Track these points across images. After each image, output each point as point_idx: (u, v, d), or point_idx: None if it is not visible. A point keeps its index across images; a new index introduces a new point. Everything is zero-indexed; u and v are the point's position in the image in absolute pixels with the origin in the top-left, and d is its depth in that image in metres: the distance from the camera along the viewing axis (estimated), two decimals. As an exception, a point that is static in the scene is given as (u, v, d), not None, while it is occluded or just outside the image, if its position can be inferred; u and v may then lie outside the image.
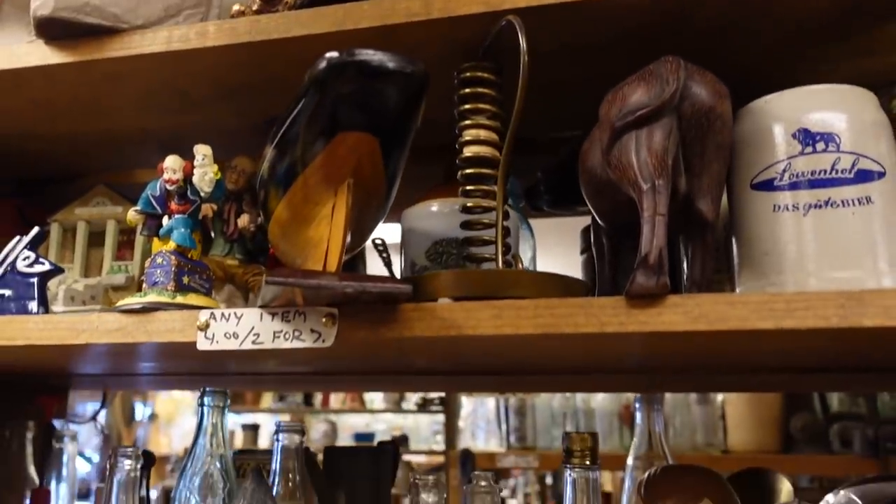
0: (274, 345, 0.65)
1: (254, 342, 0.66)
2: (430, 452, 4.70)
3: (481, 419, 2.68)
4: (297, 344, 0.64)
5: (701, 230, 0.64)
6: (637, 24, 0.71)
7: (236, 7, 0.78)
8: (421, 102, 0.61)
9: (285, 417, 5.60)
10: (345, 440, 5.04)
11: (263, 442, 4.67)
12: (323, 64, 0.56)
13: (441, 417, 4.20)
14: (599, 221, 0.75)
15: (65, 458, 1.34)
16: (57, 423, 1.32)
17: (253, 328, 0.66)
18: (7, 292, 0.76)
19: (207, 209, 0.83)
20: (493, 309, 0.61)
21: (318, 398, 4.81)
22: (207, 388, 0.96)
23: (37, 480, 1.24)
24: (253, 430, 4.87)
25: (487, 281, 0.63)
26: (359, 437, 5.36)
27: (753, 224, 0.64)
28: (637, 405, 1.05)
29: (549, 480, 3.63)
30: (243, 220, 0.91)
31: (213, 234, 0.92)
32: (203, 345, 0.67)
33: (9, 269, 0.77)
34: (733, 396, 2.27)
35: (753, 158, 0.64)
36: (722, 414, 2.37)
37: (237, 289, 0.95)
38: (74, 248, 0.98)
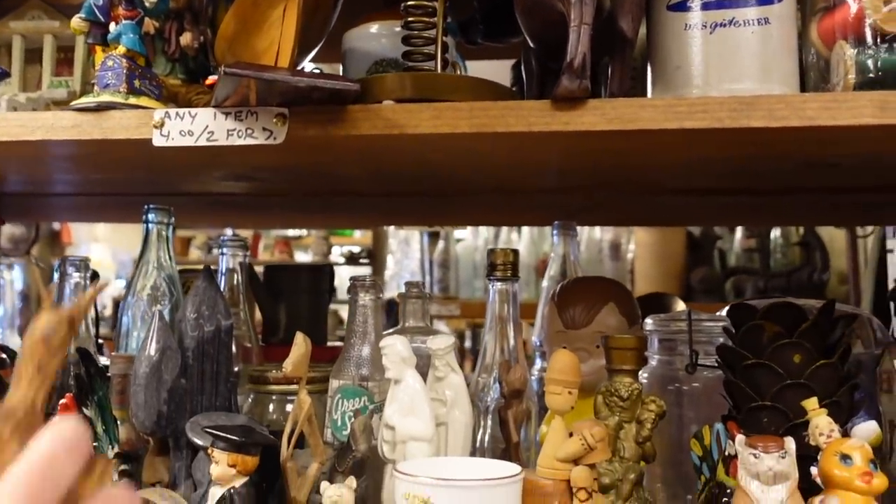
0: (228, 142, 0.70)
1: (208, 139, 0.70)
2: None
3: (406, 272, 2.81)
4: (249, 141, 0.69)
5: (621, 47, 0.71)
6: None
7: None
8: None
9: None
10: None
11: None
12: None
13: (368, 271, 4.34)
14: (531, 43, 0.81)
15: (1, 286, 1.37)
16: (-9, 253, 1.34)
17: (207, 126, 0.70)
18: (-47, 93, 0.78)
19: (149, 25, 0.84)
20: (433, 110, 0.67)
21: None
22: (152, 206, 1.00)
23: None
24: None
25: (428, 84, 0.69)
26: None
27: (667, 42, 0.71)
28: (554, 231, 1.15)
29: (468, 343, 3.81)
30: (186, 38, 0.93)
31: (153, 55, 0.93)
32: (159, 141, 0.71)
33: (-48, 70, 0.78)
34: (642, 251, 2.44)
35: (672, -18, 0.71)
36: (631, 269, 2.56)
37: (179, 107, 0.98)
38: (10, 65, 0.97)
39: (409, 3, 0.76)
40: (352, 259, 4.76)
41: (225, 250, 1.00)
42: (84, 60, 0.96)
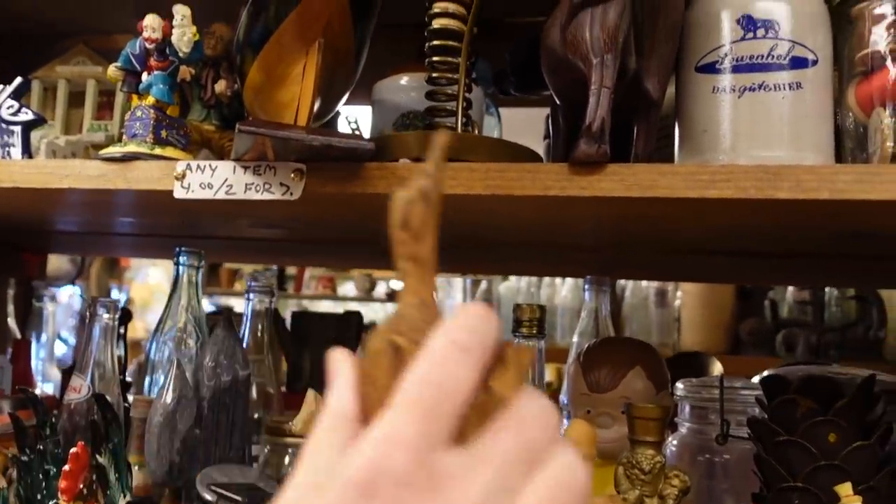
0: (245, 196, 0.70)
1: (227, 192, 0.70)
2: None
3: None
4: (266, 196, 0.69)
5: (646, 108, 0.69)
6: None
7: None
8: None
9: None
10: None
11: (237, 327, 4.77)
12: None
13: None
14: (557, 100, 0.80)
15: (45, 316, 1.40)
16: (37, 285, 1.38)
17: (226, 180, 0.71)
18: (-9, 139, 0.80)
19: (185, 72, 0.86)
20: (449, 171, 0.66)
21: (291, 285, 4.90)
22: (183, 248, 1.02)
23: (18, 333, 1.31)
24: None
25: (445, 144, 0.68)
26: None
27: (695, 104, 0.69)
28: (586, 286, 1.12)
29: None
30: (220, 86, 0.94)
31: (190, 100, 0.95)
32: (179, 193, 0.72)
33: (-7, 116, 0.81)
34: (689, 300, 2.37)
35: (700, 42, 0.69)
36: (677, 317, 2.49)
37: (213, 153, 1.00)
38: (55, 107, 1.01)
39: (435, 58, 0.76)
40: (393, 297, 4.77)
41: (251, 296, 1.01)
42: (123, 105, 0.98)
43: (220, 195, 0.70)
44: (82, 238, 1.27)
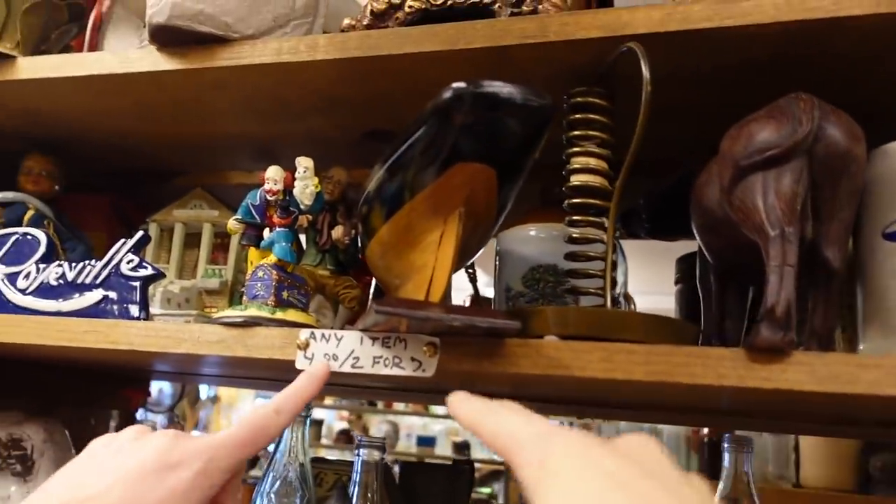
0: (373, 370, 0.64)
1: (353, 366, 0.65)
2: (490, 462, 4.65)
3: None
4: (396, 371, 0.63)
5: (826, 279, 0.61)
6: (761, 54, 0.68)
7: (346, 21, 0.78)
8: (544, 135, 0.59)
9: (344, 413, 5.67)
10: (405, 441, 5.07)
11: (325, 438, 4.73)
12: (448, 94, 0.55)
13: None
14: (709, 258, 0.72)
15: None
16: (138, 413, 1.35)
17: (353, 351, 0.65)
18: (111, 294, 0.78)
19: (303, 220, 0.83)
20: (603, 351, 0.59)
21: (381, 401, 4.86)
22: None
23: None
24: (317, 425, 4.94)
25: (596, 321, 0.61)
26: (421, 440, 5.42)
27: (884, 276, 0.60)
28: (725, 444, 1.01)
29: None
30: (338, 232, 0.91)
31: (304, 244, 0.92)
32: (302, 364, 0.66)
33: (113, 271, 0.78)
34: (809, 427, 2.18)
35: (887, 205, 0.61)
36: (795, 445, 2.29)
37: (326, 299, 0.95)
38: (171, 249, 0.99)
39: (575, 217, 0.70)
40: None
41: (362, 451, 0.94)
42: (237, 251, 0.96)
43: (346, 368, 0.65)
44: (185, 374, 1.24)
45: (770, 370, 0.55)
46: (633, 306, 0.64)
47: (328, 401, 4.80)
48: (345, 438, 5.36)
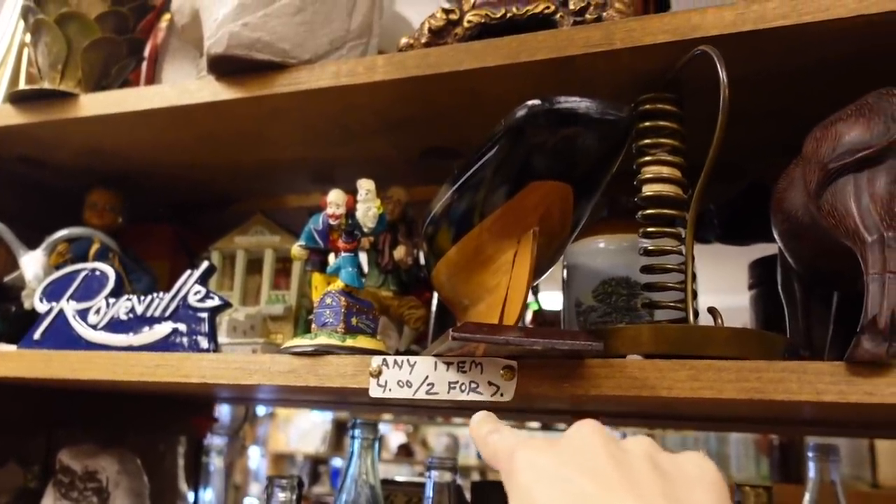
0: (449, 396, 0.62)
1: (427, 392, 0.63)
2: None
3: (606, 439, 2.60)
4: (473, 397, 0.61)
5: (926, 284, 0.57)
6: (841, 51, 0.64)
7: (404, 40, 0.77)
8: (622, 149, 0.57)
9: (401, 426, 5.67)
10: (464, 451, 5.05)
11: (385, 451, 4.72)
12: (523, 112, 0.53)
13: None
14: (793, 265, 0.69)
15: (212, 471, 1.38)
16: (205, 440, 1.36)
17: (427, 377, 0.64)
18: (180, 326, 0.78)
19: (365, 242, 0.82)
20: (691, 370, 0.56)
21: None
22: (358, 421, 0.95)
23: (188, 495, 1.28)
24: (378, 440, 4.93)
25: (680, 338, 0.58)
26: (482, 453, 5.37)
27: None
28: (810, 453, 0.97)
29: None
30: (400, 253, 0.90)
31: (366, 266, 0.91)
32: (375, 392, 0.65)
33: (181, 303, 0.78)
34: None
35: None
36: (870, 445, 2.20)
37: (391, 321, 0.94)
38: (233, 276, 0.99)
39: (650, 228, 0.67)
40: (547, 426, 4.58)
41: (433, 473, 0.92)
42: (300, 275, 0.96)
43: (421, 395, 0.63)
44: (249, 399, 1.25)
45: (874, 384, 0.51)
46: (720, 321, 0.61)
47: (387, 414, 4.80)
48: (405, 452, 5.35)
